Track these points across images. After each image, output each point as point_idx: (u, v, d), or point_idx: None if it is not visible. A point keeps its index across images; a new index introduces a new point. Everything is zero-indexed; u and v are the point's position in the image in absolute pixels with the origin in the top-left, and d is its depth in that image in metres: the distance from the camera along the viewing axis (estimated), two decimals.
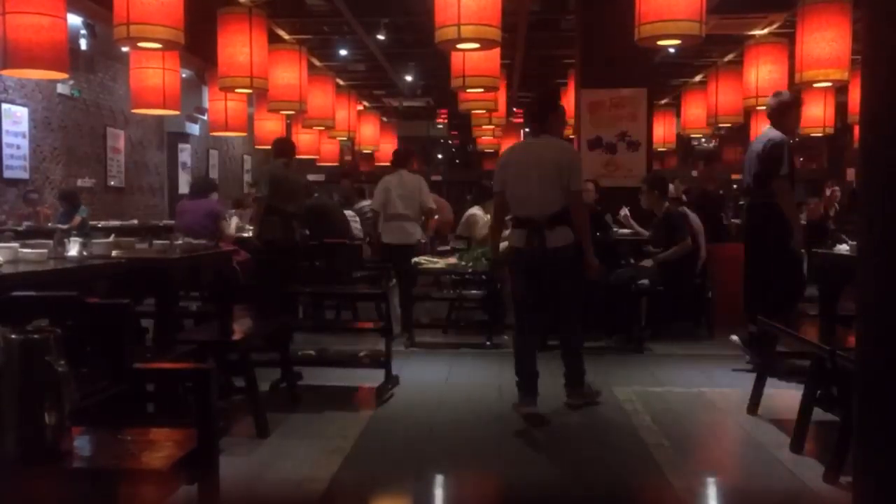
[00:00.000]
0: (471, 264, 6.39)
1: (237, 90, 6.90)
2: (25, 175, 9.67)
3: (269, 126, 9.62)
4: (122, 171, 11.97)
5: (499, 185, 4.49)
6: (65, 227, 7.78)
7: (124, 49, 7.92)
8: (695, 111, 10.53)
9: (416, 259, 6.44)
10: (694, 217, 6.69)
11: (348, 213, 8.75)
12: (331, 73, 9.87)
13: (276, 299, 5.18)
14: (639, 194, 6.72)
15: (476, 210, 7.79)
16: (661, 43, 5.36)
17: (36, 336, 1.93)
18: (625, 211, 6.83)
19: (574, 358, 4.52)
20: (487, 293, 6.51)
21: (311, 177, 13.72)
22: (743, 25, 8.61)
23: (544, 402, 4.61)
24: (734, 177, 23.21)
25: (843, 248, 4.56)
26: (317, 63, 10.16)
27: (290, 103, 7.46)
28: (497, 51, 6.26)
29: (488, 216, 6.24)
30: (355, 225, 8.60)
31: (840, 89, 8.21)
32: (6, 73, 5.30)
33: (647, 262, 6.33)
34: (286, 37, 8.72)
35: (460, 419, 4.27)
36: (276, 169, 6.40)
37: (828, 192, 10.64)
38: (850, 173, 16.89)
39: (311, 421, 4.05)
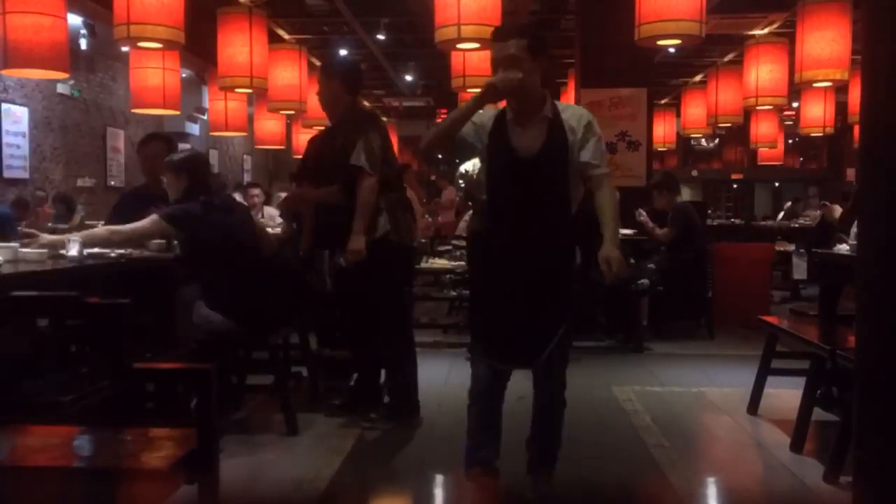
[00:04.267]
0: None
1: (237, 90, 6.90)
2: (25, 175, 9.67)
3: (269, 126, 9.62)
4: (122, 171, 11.96)
5: None
6: (65, 226, 7.78)
7: (124, 49, 7.92)
8: (695, 111, 10.53)
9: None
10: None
11: None
12: None
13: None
14: (652, 198, 6.72)
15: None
16: (661, 43, 5.36)
17: None
18: (644, 216, 6.79)
19: None
20: None
21: None
22: (743, 25, 8.61)
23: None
24: (734, 177, 23.30)
25: (843, 248, 4.56)
26: (317, 63, 10.15)
27: (290, 103, 7.46)
28: None
29: None
30: None
31: (840, 89, 8.21)
32: (6, 73, 5.29)
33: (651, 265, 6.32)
34: (286, 37, 8.73)
35: (460, 419, 4.25)
36: None
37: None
38: (850, 173, 16.90)
39: (311, 421, 4.05)
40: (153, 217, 3.76)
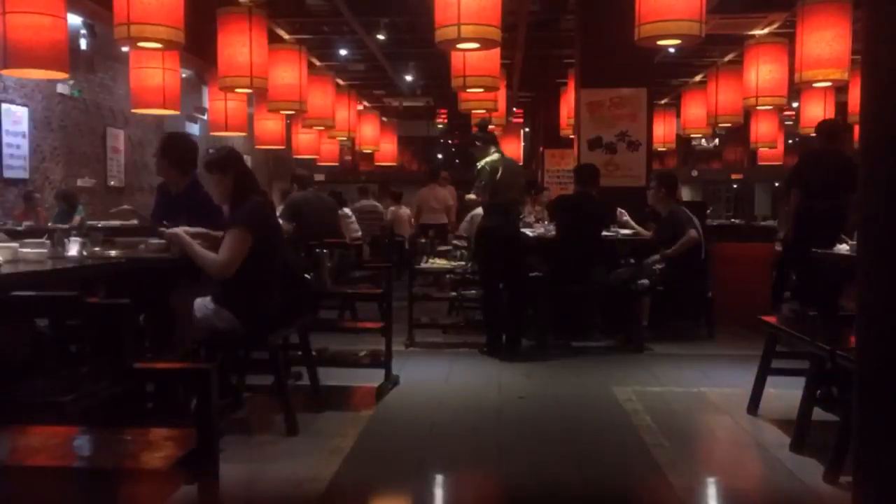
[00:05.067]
0: (470, 264, 6.39)
1: (237, 90, 6.90)
2: (25, 175, 9.66)
3: (269, 126, 9.62)
4: (121, 171, 11.96)
5: None
6: (65, 226, 7.78)
7: (124, 49, 7.92)
8: (695, 111, 10.53)
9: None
10: (694, 218, 6.69)
11: (347, 211, 8.71)
12: (331, 73, 9.87)
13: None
14: (647, 191, 6.74)
15: (481, 210, 7.71)
16: (661, 43, 5.36)
17: None
18: (626, 217, 6.85)
19: None
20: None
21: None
22: (743, 25, 8.61)
23: (542, 403, 4.61)
24: (734, 177, 23.30)
25: (843, 248, 4.56)
26: (317, 63, 10.17)
27: (290, 103, 7.46)
28: (497, 51, 6.26)
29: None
30: (353, 224, 8.57)
31: (840, 89, 8.21)
32: (6, 73, 5.30)
33: (655, 258, 6.36)
34: (286, 37, 8.73)
35: (460, 419, 4.26)
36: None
37: None
38: None
39: (311, 421, 4.05)
40: (237, 232, 3.63)
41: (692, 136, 15.13)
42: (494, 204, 5.93)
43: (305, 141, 11.42)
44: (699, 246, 6.57)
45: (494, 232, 5.89)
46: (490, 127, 6.61)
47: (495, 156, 5.96)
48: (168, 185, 4.51)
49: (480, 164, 5.96)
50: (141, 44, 5.03)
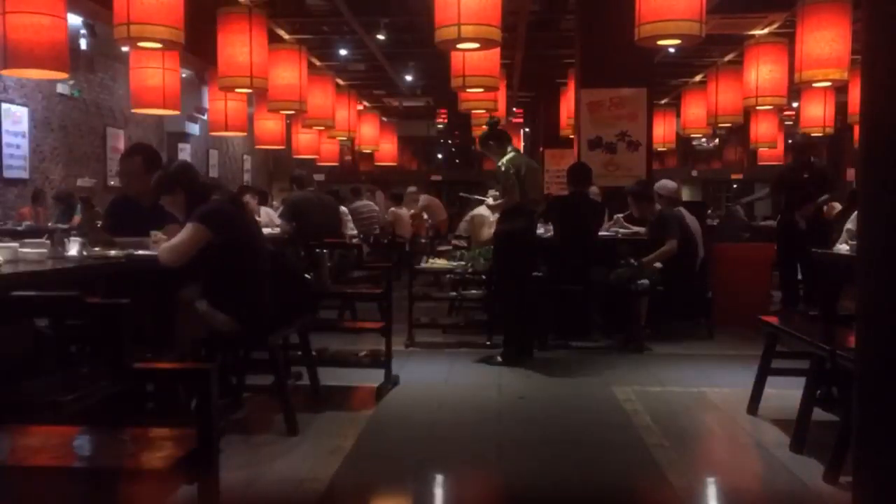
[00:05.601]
0: (471, 264, 6.39)
1: (237, 90, 6.90)
2: (25, 175, 9.67)
3: (269, 126, 9.62)
4: None
5: None
6: (65, 226, 7.77)
7: (124, 49, 7.92)
8: (695, 111, 10.53)
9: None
10: (691, 218, 6.69)
11: (345, 210, 8.71)
12: (331, 72, 9.87)
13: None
14: (630, 209, 6.73)
15: (482, 210, 7.72)
16: (661, 43, 5.36)
17: None
18: (621, 223, 6.87)
19: None
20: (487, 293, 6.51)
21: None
22: (743, 25, 8.61)
23: (542, 403, 4.62)
24: (734, 176, 23.32)
25: (843, 248, 4.56)
26: (317, 63, 10.16)
27: (290, 103, 7.46)
28: (497, 51, 6.26)
29: (495, 216, 6.09)
30: (349, 223, 8.57)
31: (840, 89, 8.21)
32: (6, 73, 5.30)
33: (650, 258, 6.36)
34: (286, 37, 8.72)
35: (460, 419, 4.26)
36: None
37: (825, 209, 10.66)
38: (850, 173, 16.88)
39: (311, 421, 4.05)
40: (188, 226, 3.66)
41: (692, 136, 15.12)
42: (520, 205, 5.56)
43: (305, 141, 11.42)
44: (695, 247, 6.56)
45: (517, 235, 5.55)
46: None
47: (513, 154, 5.66)
48: (138, 198, 4.44)
49: (502, 165, 5.59)
50: (141, 44, 5.03)
